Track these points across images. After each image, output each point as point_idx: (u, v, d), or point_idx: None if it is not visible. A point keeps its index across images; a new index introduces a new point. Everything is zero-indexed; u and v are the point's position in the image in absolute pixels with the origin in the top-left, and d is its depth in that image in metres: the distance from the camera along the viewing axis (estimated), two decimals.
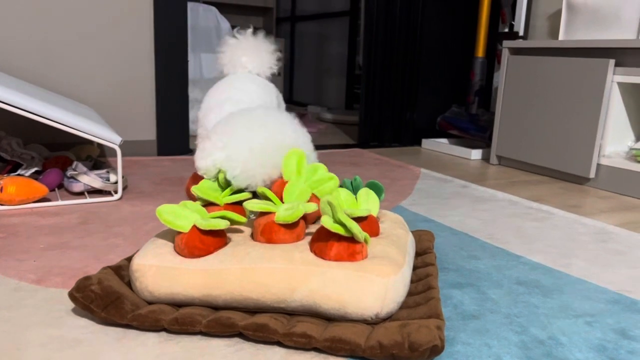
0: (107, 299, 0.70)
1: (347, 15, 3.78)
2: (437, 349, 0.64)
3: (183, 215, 0.74)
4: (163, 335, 0.70)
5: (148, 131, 1.94)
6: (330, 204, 0.73)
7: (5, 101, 1.18)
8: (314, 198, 0.86)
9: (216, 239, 0.74)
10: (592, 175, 1.73)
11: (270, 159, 0.91)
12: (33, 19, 1.70)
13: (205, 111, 1.18)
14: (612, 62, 1.65)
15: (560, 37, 2.01)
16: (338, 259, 0.72)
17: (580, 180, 1.80)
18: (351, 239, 0.73)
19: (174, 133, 1.97)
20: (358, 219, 0.81)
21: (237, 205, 0.86)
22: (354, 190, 0.95)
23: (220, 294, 0.70)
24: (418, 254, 0.95)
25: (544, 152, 1.90)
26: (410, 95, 2.49)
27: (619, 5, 1.78)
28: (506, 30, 2.40)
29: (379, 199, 0.92)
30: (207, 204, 0.85)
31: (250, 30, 1.39)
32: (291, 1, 4.39)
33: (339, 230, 0.72)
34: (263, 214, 0.78)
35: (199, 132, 1.18)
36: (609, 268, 1.02)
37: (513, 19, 2.36)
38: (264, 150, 0.90)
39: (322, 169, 0.88)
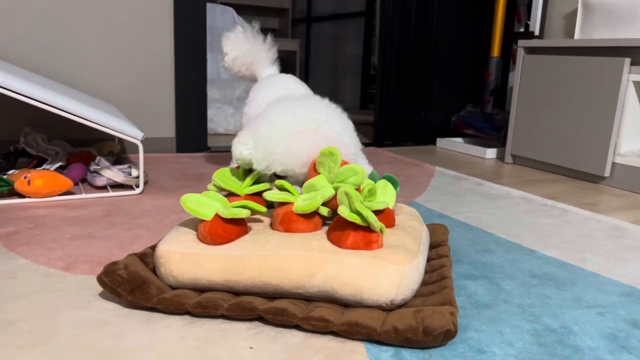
0: (134, 283, 0.73)
1: (362, 15, 3.81)
2: (450, 334, 0.66)
3: (206, 204, 0.77)
4: (187, 318, 0.73)
5: (167, 129, 1.98)
6: (347, 194, 0.75)
7: (33, 97, 1.22)
8: (335, 199, 0.86)
9: (237, 228, 0.77)
10: (607, 173, 1.73)
11: (296, 145, 0.86)
12: (55, 18, 1.75)
13: (258, 108, 1.27)
14: (627, 61, 1.66)
15: (576, 36, 2.01)
16: (354, 247, 0.75)
17: (595, 178, 1.80)
18: (367, 229, 0.75)
19: (193, 131, 2.01)
20: (375, 212, 0.83)
21: (257, 196, 0.89)
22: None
23: (241, 280, 0.73)
24: (432, 247, 0.97)
25: (559, 151, 1.90)
26: (425, 94, 2.51)
27: (635, 4, 1.78)
28: (522, 29, 2.41)
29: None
30: (228, 194, 0.88)
31: (249, 29, 1.53)
32: (307, 2, 4.42)
33: (356, 219, 0.74)
34: (282, 204, 0.81)
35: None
36: (623, 262, 1.03)
37: (529, 18, 2.37)
38: (286, 134, 0.86)
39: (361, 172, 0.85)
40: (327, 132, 0.88)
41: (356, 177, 0.83)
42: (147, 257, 0.83)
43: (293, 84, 1.42)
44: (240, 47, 1.57)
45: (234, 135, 2.59)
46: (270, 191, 0.83)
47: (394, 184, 0.97)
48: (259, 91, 1.43)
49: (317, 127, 0.87)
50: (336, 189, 0.83)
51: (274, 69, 1.61)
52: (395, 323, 0.67)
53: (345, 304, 0.73)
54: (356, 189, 0.83)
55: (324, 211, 0.82)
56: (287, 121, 0.86)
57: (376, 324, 0.68)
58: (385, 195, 0.90)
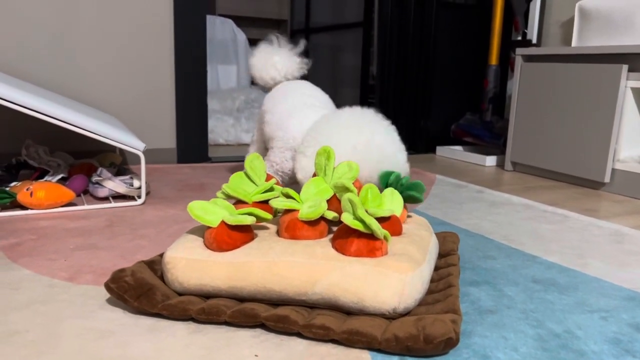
0: (140, 290, 0.73)
1: (360, 26, 3.83)
2: (452, 342, 0.66)
3: (212, 211, 0.77)
4: (191, 326, 0.73)
5: (168, 139, 1.99)
6: (350, 201, 0.75)
7: (35, 109, 1.23)
8: (335, 199, 0.88)
9: (243, 234, 0.77)
10: (607, 180, 1.74)
11: (376, 157, 0.97)
12: (58, 31, 1.76)
13: (283, 116, 1.27)
14: (625, 67, 1.67)
15: (573, 43, 2.02)
16: (358, 254, 0.75)
17: (595, 185, 1.81)
18: (371, 236, 0.76)
19: (194, 141, 2.01)
20: (381, 219, 0.83)
21: (265, 204, 0.90)
22: (397, 187, 0.96)
23: (245, 286, 0.74)
24: (442, 255, 0.96)
25: (558, 157, 1.91)
26: (424, 103, 2.52)
27: (632, 11, 1.79)
28: (519, 38, 2.42)
29: (420, 198, 0.95)
30: (237, 202, 0.89)
31: (277, 38, 1.53)
32: (305, 13, 4.46)
33: (359, 226, 0.75)
34: (288, 211, 0.82)
35: (279, 135, 1.25)
36: (625, 267, 1.03)
37: (526, 26, 2.39)
38: (369, 147, 0.96)
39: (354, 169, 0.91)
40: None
41: (351, 172, 0.88)
42: (156, 265, 0.84)
43: (313, 90, 1.41)
44: (288, 62, 1.54)
45: (234, 146, 2.59)
46: (276, 198, 0.83)
47: (419, 190, 0.96)
48: (280, 99, 1.39)
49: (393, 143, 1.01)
50: (334, 186, 0.85)
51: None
52: (396, 331, 0.67)
53: (348, 312, 0.74)
54: (354, 184, 0.86)
55: (330, 215, 0.83)
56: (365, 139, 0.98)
57: (377, 332, 0.68)
58: (393, 203, 0.90)
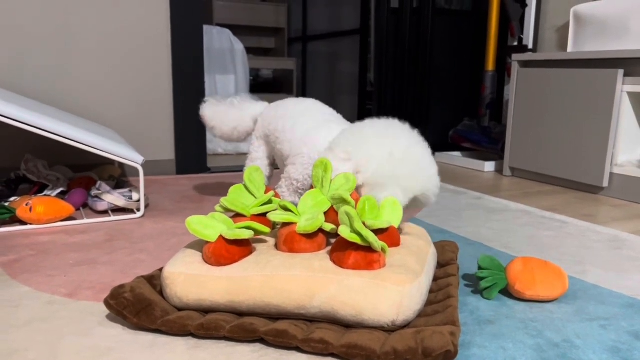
0: (139, 306, 0.73)
1: (357, 33, 3.84)
2: (450, 354, 0.66)
3: (211, 226, 0.78)
4: (191, 342, 0.73)
5: (167, 151, 2.00)
6: (348, 214, 0.76)
7: (33, 124, 1.23)
8: (332, 211, 0.89)
9: (241, 248, 0.78)
10: (605, 184, 1.74)
11: (410, 169, 0.92)
12: (55, 46, 1.77)
13: (307, 132, 1.20)
14: (621, 72, 1.68)
15: (569, 49, 2.03)
16: (356, 267, 0.75)
17: (593, 189, 1.81)
18: (369, 249, 0.76)
19: (192, 152, 2.02)
20: (378, 231, 0.83)
21: (264, 217, 0.90)
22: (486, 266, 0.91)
23: (243, 300, 0.74)
24: (441, 265, 0.96)
25: (556, 162, 1.91)
26: (422, 109, 2.53)
27: (627, 16, 1.80)
28: (515, 43, 2.43)
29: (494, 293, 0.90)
30: (235, 215, 0.89)
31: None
32: (302, 21, 4.48)
33: (356, 239, 0.75)
34: (286, 224, 0.82)
35: (304, 152, 1.19)
36: (623, 274, 1.03)
37: (522, 32, 2.40)
38: (406, 156, 0.92)
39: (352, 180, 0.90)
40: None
41: (348, 184, 0.88)
42: (155, 280, 0.84)
43: (326, 107, 1.35)
44: (233, 117, 1.47)
45: (233, 155, 2.60)
46: (274, 211, 0.84)
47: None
48: (298, 117, 1.29)
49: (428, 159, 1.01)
50: (331, 198, 0.85)
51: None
52: (395, 344, 0.67)
53: (347, 325, 0.74)
54: (351, 196, 0.87)
55: (328, 227, 0.83)
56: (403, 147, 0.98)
57: (376, 346, 0.68)
58: (392, 214, 0.90)
